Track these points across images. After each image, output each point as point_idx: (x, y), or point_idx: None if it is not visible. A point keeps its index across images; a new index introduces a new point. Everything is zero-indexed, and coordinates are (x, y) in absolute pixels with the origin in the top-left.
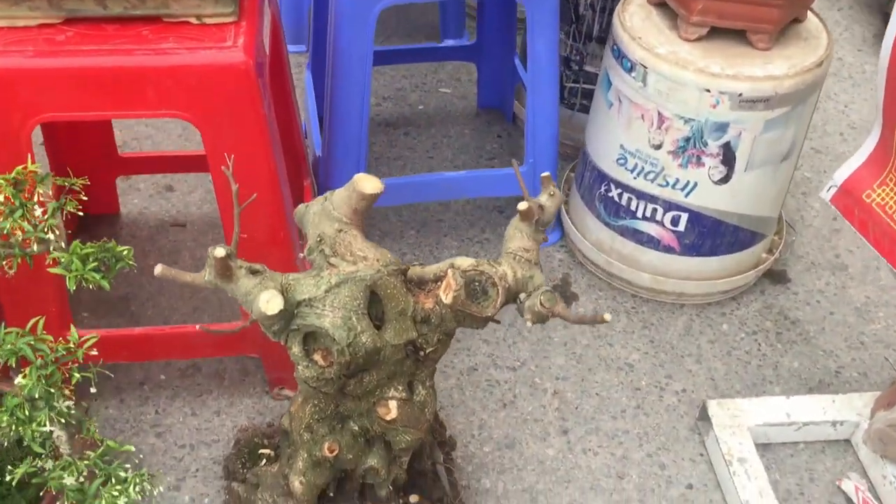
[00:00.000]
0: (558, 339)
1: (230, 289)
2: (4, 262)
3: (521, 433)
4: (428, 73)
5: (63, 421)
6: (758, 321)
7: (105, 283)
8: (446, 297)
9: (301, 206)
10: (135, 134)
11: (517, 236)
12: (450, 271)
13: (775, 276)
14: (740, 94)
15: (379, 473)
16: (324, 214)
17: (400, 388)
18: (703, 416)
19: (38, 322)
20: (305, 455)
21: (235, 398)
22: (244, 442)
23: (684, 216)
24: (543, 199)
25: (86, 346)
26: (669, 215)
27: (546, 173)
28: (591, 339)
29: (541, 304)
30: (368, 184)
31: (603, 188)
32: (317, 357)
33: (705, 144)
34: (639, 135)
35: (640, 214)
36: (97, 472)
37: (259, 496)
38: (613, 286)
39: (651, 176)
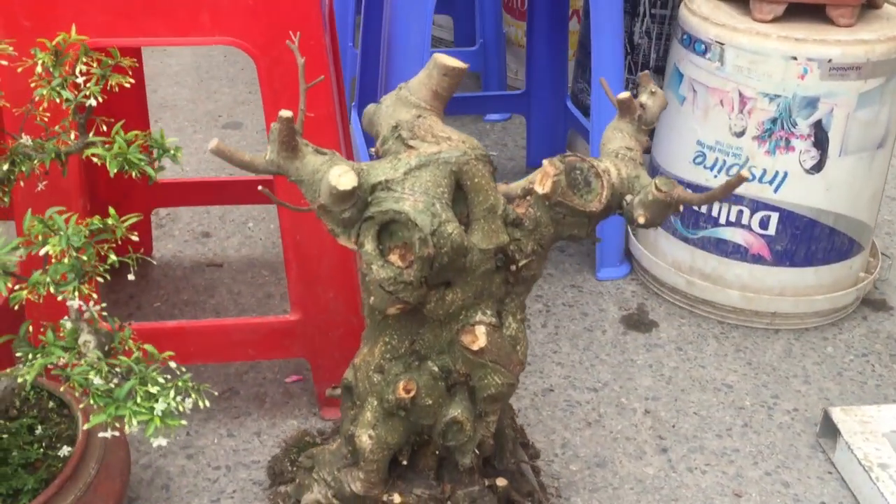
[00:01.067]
0: (642, 361)
1: (294, 169)
2: (37, 165)
3: (613, 452)
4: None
5: (91, 325)
6: (866, 344)
7: (151, 172)
8: (543, 187)
9: (371, 106)
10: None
11: (617, 136)
12: (546, 161)
13: (876, 304)
14: (830, 61)
15: (464, 428)
16: (399, 103)
17: (489, 312)
18: (827, 428)
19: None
20: (375, 403)
21: (278, 419)
22: (293, 441)
23: (774, 216)
24: (644, 97)
25: (127, 223)
26: (758, 217)
27: (645, 72)
28: (680, 361)
29: (656, 188)
30: (451, 60)
31: None
32: (393, 258)
33: (794, 125)
34: (718, 124)
35: (723, 220)
36: (132, 376)
37: (315, 476)
38: (696, 312)
39: (735, 170)
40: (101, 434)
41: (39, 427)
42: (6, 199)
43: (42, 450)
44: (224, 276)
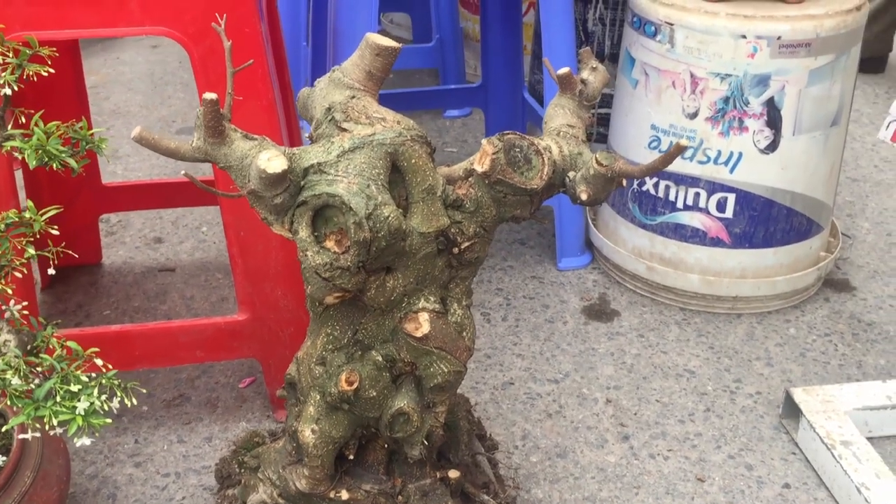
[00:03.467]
0: (603, 350)
1: (222, 155)
2: None
3: (574, 442)
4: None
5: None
6: (828, 325)
7: (73, 164)
8: (482, 165)
9: (304, 90)
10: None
11: (559, 113)
12: (485, 139)
13: (838, 285)
14: (779, 38)
15: (411, 419)
16: (333, 85)
17: (432, 298)
18: (790, 409)
19: None
20: (318, 397)
21: (230, 423)
22: (242, 442)
23: (731, 198)
24: (585, 74)
25: (45, 216)
26: (714, 199)
27: (586, 48)
28: (641, 348)
29: (597, 163)
30: (382, 39)
31: (636, 183)
32: (329, 244)
33: (746, 103)
34: (671, 106)
35: (680, 205)
36: (54, 375)
37: (261, 476)
38: (658, 300)
39: (689, 153)
40: (21, 436)
41: None
42: None
43: None
44: (177, 281)
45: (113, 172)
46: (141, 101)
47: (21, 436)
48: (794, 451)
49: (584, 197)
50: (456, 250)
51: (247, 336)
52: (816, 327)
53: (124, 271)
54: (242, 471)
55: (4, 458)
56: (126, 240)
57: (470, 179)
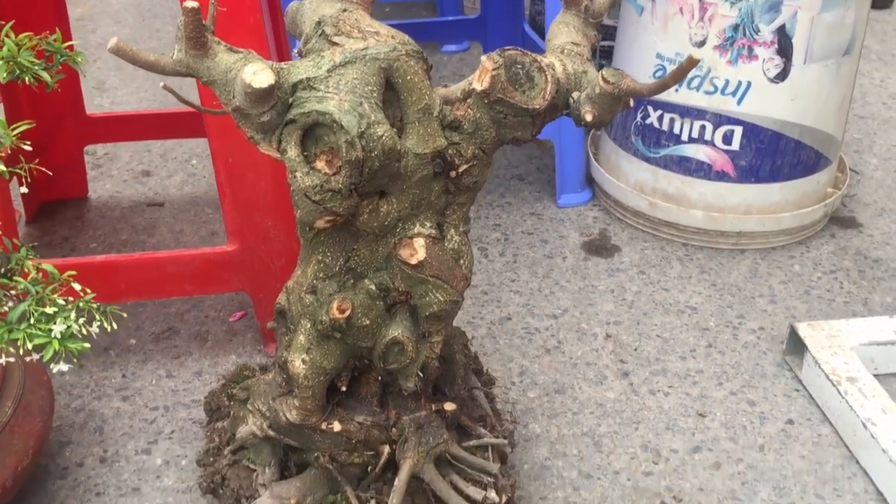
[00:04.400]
0: (603, 286)
1: (205, 69)
2: None
3: (572, 378)
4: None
5: None
6: (834, 262)
7: (47, 77)
8: (482, 83)
9: (293, 3)
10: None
11: (563, 31)
12: (484, 56)
13: (844, 222)
14: None
15: (405, 350)
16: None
17: (427, 224)
18: (794, 344)
19: None
20: (309, 326)
21: (220, 358)
22: (232, 376)
23: (738, 130)
24: None
25: (16, 131)
26: (721, 131)
27: None
28: (642, 285)
29: (603, 80)
30: None
31: (639, 116)
32: (319, 164)
33: (756, 31)
34: (678, 34)
35: (685, 137)
36: (29, 297)
37: (250, 407)
38: (660, 235)
39: (696, 83)
40: None
41: None
42: None
43: None
44: (165, 216)
45: (100, 106)
46: (129, 34)
47: None
48: (797, 388)
49: (588, 118)
50: (453, 173)
51: (236, 268)
52: (822, 264)
53: (111, 205)
54: (232, 403)
55: None
56: (113, 173)
57: (468, 100)
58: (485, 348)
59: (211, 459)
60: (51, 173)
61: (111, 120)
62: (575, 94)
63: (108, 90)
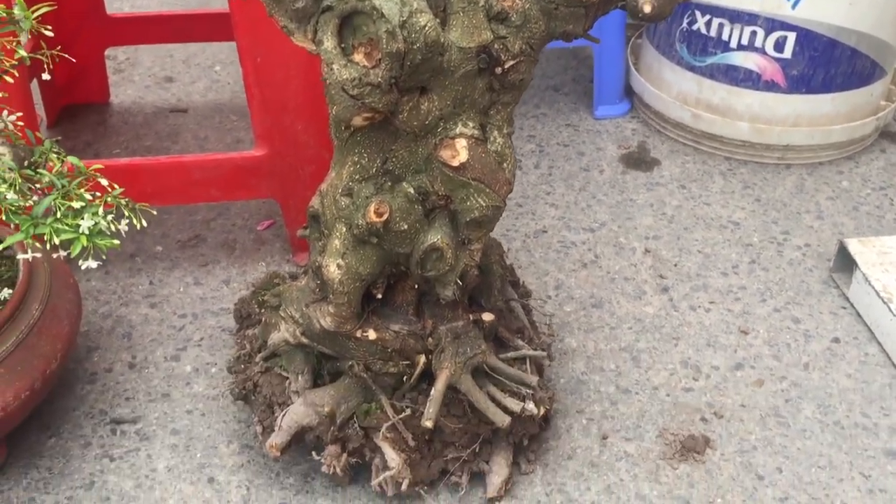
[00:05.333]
0: (642, 200)
1: None
2: None
3: (610, 292)
4: None
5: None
6: (884, 178)
7: None
8: None
9: None
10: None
11: None
12: None
13: (895, 137)
14: None
15: (444, 256)
16: None
17: (470, 124)
18: (842, 261)
19: None
20: (344, 230)
21: (248, 266)
22: (261, 283)
23: (791, 37)
24: None
25: (37, 13)
26: (773, 38)
27: None
28: (683, 199)
29: None
30: None
31: (686, 21)
32: (358, 56)
33: None
34: None
35: (734, 44)
36: (55, 191)
37: (283, 314)
38: (702, 149)
39: None
40: (20, 256)
41: None
42: None
43: None
44: (189, 122)
45: (119, 9)
46: None
47: (21, 255)
48: (844, 306)
49: (647, 9)
50: (499, 70)
51: (265, 173)
52: (871, 180)
53: (134, 111)
54: (262, 310)
55: (11, 291)
56: (135, 78)
57: None
58: (520, 261)
59: (242, 366)
60: (74, 60)
61: (133, 21)
62: None
63: None
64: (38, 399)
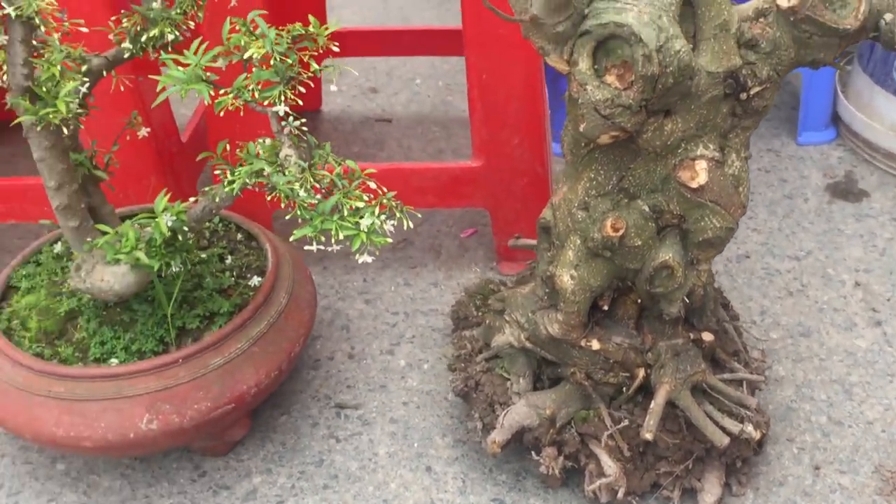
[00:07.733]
0: (850, 231)
1: None
2: None
3: (818, 322)
4: None
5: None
6: None
7: None
8: (790, 0)
9: None
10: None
11: None
12: None
13: None
14: None
15: (674, 274)
16: None
17: (711, 146)
18: None
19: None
20: (579, 242)
21: (454, 271)
22: (475, 288)
23: None
24: None
25: (327, 32)
26: None
27: None
28: (895, 233)
29: None
30: None
31: None
32: (610, 78)
33: None
34: None
35: None
36: (336, 192)
37: (507, 318)
38: None
39: None
40: (306, 247)
41: (229, 257)
42: (200, 15)
43: (233, 278)
44: (393, 131)
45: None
46: None
47: (307, 247)
48: None
49: None
50: (744, 95)
51: (480, 184)
52: None
53: (342, 119)
54: (482, 313)
55: (261, 279)
56: (343, 88)
57: (762, 18)
58: (723, 285)
59: (462, 365)
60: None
61: (344, 35)
62: (887, 16)
63: (332, 9)
64: (283, 378)
